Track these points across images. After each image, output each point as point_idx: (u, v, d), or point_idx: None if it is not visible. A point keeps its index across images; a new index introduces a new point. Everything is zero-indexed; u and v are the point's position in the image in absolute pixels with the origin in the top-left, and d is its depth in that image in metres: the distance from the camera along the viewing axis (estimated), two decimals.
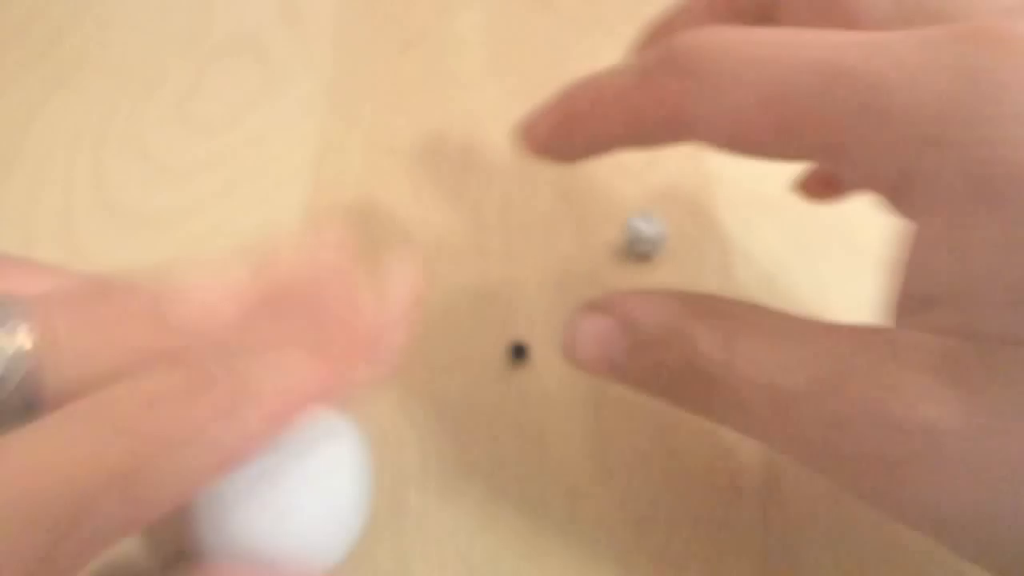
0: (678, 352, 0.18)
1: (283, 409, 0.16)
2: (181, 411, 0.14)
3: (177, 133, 0.31)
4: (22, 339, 0.15)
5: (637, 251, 0.27)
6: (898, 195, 0.16)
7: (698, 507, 0.23)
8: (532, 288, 0.27)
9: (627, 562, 0.22)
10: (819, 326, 0.17)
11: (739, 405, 0.17)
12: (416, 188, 0.30)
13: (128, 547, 0.21)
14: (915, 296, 0.16)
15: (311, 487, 0.19)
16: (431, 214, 0.29)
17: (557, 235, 0.28)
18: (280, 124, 0.31)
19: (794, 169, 0.27)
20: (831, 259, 0.27)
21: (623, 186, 0.30)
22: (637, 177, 0.29)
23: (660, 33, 0.24)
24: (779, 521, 0.23)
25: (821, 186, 0.26)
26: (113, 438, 0.14)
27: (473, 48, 0.34)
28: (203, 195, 0.29)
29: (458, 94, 0.32)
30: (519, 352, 0.25)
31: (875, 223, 0.26)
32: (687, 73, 0.18)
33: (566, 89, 0.21)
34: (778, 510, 0.23)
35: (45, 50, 0.33)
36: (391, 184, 0.30)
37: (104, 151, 0.30)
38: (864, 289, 0.24)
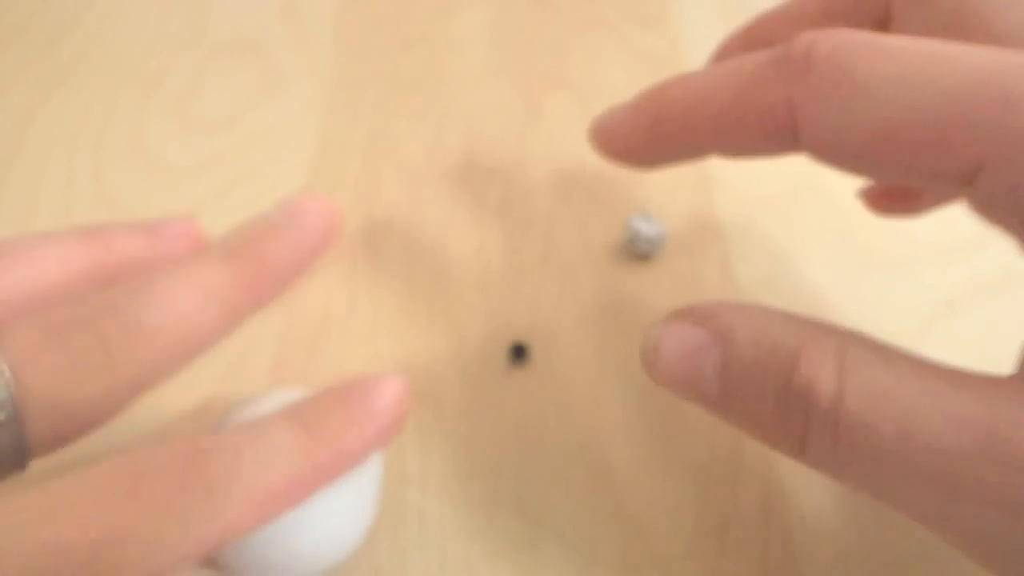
0: (782, 379, 0.15)
1: (269, 503, 0.16)
2: (166, 492, 0.15)
3: (177, 133, 0.31)
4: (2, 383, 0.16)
5: (637, 251, 0.27)
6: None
7: (698, 507, 0.23)
8: (532, 288, 0.27)
9: (627, 562, 0.22)
10: (954, 372, 0.15)
11: (855, 456, 0.15)
12: (416, 188, 0.30)
13: None
14: None
15: (326, 497, 0.19)
16: (431, 214, 0.29)
17: (557, 235, 0.28)
18: (280, 123, 0.31)
19: (793, 167, 0.27)
20: (831, 259, 0.27)
21: (623, 186, 0.30)
22: (637, 177, 0.29)
23: (757, 34, 0.22)
24: (779, 521, 0.23)
25: (897, 201, 0.24)
26: (96, 513, 0.14)
27: (473, 47, 0.34)
28: (202, 194, 0.29)
29: (458, 94, 0.32)
30: (519, 352, 0.25)
31: (876, 224, 0.26)
32: (811, 79, 0.16)
33: (652, 90, 0.19)
34: (778, 510, 0.23)
35: (45, 50, 0.33)
36: (391, 184, 0.30)
37: (104, 150, 0.30)
38: (864, 289, 0.24)
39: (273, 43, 0.34)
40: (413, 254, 0.28)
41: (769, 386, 0.15)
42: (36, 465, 0.17)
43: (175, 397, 0.23)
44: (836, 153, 0.16)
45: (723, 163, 0.20)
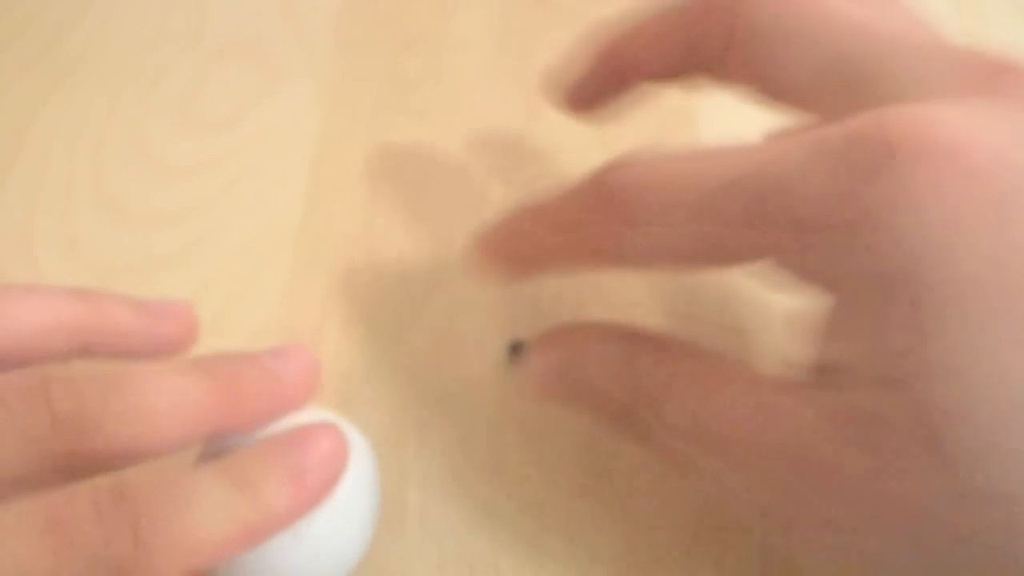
0: (620, 389, 0.19)
1: (187, 557, 0.16)
2: (89, 540, 0.15)
3: (177, 133, 0.31)
4: None
5: None
6: (813, 283, 0.17)
7: (698, 507, 0.23)
8: (532, 288, 0.27)
9: (627, 562, 0.22)
10: (749, 372, 0.18)
11: (670, 451, 0.19)
12: (416, 188, 0.30)
13: None
14: (825, 361, 0.17)
15: (328, 504, 0.19)
16: (431, 214, 0.29)
17: None
18: (280, 124, 0.31)
19: None
20: None
21: None
22: None
23: (608, 55, 0.24)
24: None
25: (594, 104, 0.26)
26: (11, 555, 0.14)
27: (473, 48, 0.34)
28: (203, 195, 0.29)
29: (458, 94, 0.32)
30: (517, 350, 0.25)
31: None
32: (623, 213, 0.18)
33: (513, 214, 0.22)
34: None
35: (45, 50, 0.33)
36: (391, 184, 0.30)
37: (104, 151, 0.30)
38: None
39: (273, 43, 0.34)
40: (413, 254, 0.28)
41: (615, 397, 0.19)
42: None
43: None
44: (654, 265, 0.19)
45: None
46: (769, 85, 0.20)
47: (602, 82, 0.23)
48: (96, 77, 0.32)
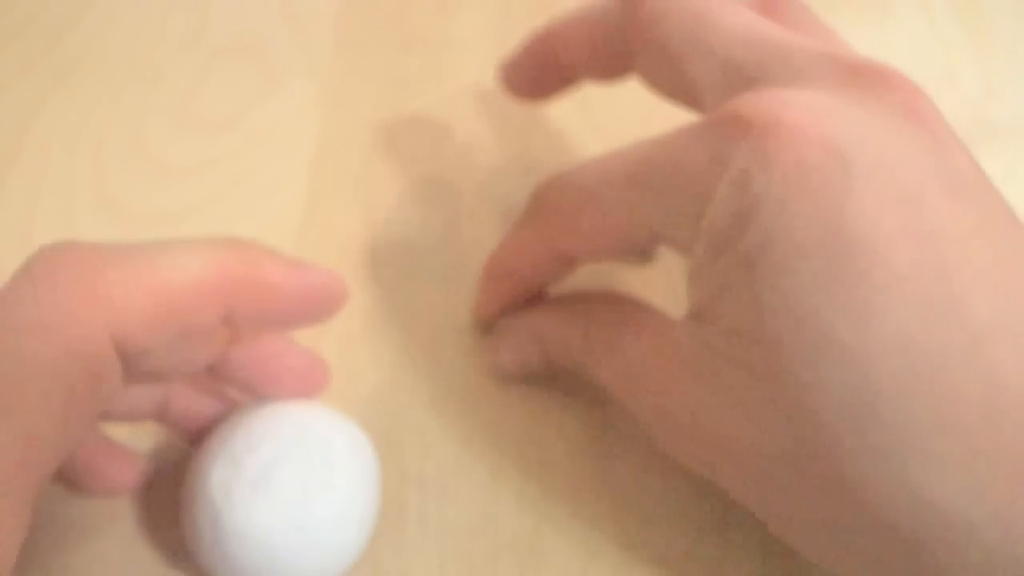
0: (562, 351, 0.23)
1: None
2: None
3: (177, 133, 0.31)
4: None
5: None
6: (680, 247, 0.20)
7: (698, 507, 0.23)
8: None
9: (627, 562, 0.22)
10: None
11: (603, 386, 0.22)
12: (416, 188, 0.30)
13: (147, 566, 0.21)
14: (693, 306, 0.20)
15: (330, 498, 0.19)
16: (432, 214, 0.29)
17: None
18: (280, 124, 0.31)
19: None
20: None
21: None
22: None
23: (539, 41, 0.26)
24: None
25: (543, 90, 0.27)
26: None
27: (473, 48, 0.34)
28: (203, 195, 0.29)
29: (458, 94, 0.32)
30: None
31: None
32: (566, 224, 0.22)
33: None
34: None
35: (45, 50, 0.33)
36: (391, 184, 0.30)
37: (104, 151, 0.30)
38: None
39: (273, 43, 0.34)
40: (413, 254, 0.28)
41: (557, 358, 0.24)
42: None
43: None
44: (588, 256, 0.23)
45: None
46: (670, 90, 0.22)
47: (535, 67, 0.26)
48: (96, 77, 0.32)
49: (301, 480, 0.19)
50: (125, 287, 0.16)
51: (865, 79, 0.18)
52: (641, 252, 0.23)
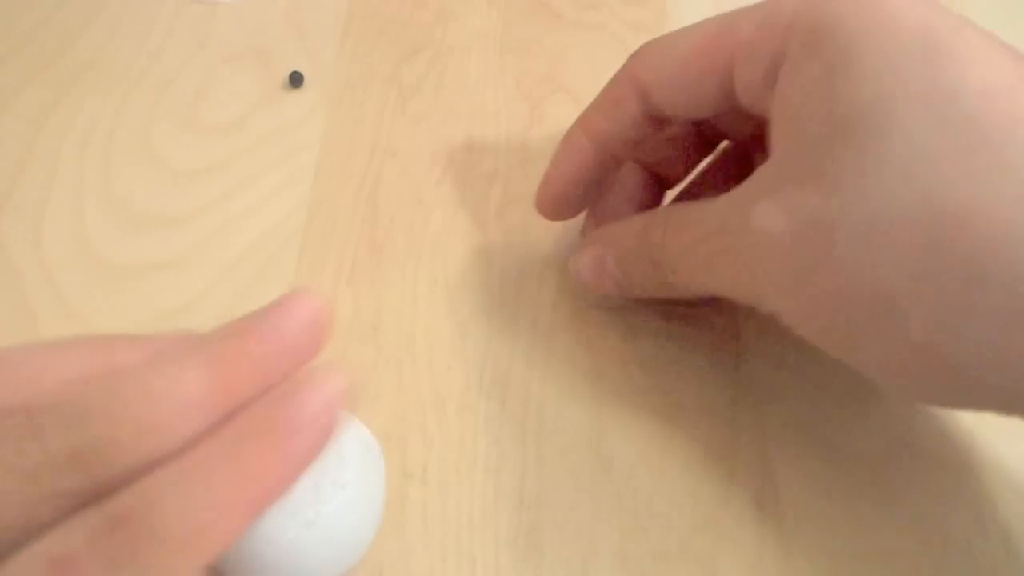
0: (642, 252, 0.24)
1: (195, 549, 0.15)
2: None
3: (184, 137, 0.31)
4: None
5: None
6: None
7: (696, 506, 0.23)
8: (533, 287, 0.27)
9: (626, 560, 0.22)
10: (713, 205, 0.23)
11: (674, 274, 0.23)
12: (418, 190, 0.30)
13: None
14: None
15: (341, 495, 0.20)
16: (434, 216, 0.29)
17: (557, 235, 0.29)
18: (285, 128, 0.32)
19: None
20: None
21: None
22: None
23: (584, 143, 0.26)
24: (774, 516, 0.23)
25: (570, 207, 0.28)
26: None
27: (476, 53, 0.34)
28: (209, 197, 0.30)
29: (460, 98, 0.33)
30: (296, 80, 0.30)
31: None
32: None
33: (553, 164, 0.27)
34: (775, 509, 0.23)
35: (55, 56, 0.33)
36: (394, 186, 0.30)
37: (113, 154, 0.31)
38: None
39: (279, 49, 0.34)
40: (415, 255, 0.28)
41: (639, 262, 0.24)
42: None
43: None
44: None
45: None
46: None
47: (590, 171, 0.26)
48: (105, 82, 0.33)
49: (312, 477, 0.19)
50: None
51: None
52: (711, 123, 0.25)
